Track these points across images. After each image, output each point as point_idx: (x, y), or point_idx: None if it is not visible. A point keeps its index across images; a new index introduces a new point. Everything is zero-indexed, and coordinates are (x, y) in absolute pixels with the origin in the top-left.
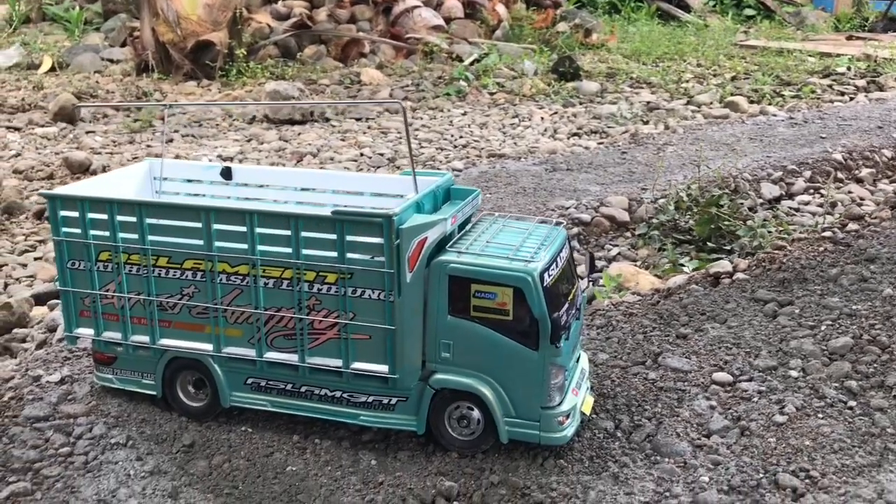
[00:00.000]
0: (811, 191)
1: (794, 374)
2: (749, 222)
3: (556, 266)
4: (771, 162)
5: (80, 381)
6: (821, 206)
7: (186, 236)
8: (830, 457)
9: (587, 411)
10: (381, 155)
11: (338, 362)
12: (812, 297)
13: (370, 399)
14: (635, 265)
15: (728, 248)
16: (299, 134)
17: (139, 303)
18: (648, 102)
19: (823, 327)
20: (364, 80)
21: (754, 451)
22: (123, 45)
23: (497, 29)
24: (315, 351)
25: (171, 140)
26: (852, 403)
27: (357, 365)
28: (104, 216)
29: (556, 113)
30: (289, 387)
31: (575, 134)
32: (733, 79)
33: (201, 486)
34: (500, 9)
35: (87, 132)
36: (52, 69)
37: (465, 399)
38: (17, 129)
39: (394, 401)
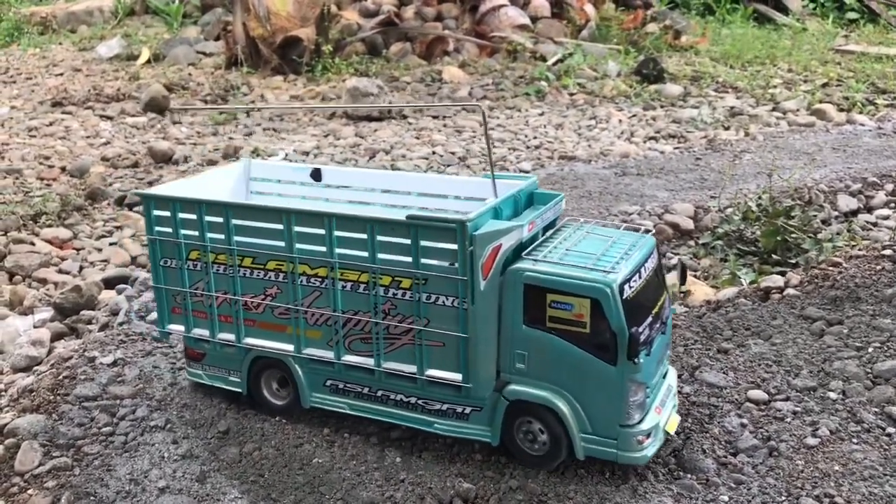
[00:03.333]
0: (892, 205)
1: (832, 395)
2: (819, 235)
3: (640, 277)
4: (851, 173)
5: (131, 364)
6: None
7: (270, 238)
8: (859, 484)
9: (671, 430)
10: (453, 154)
11: (412, 368)
12: (863, 318)
13: (445, 407)
14: (694, 275)
15: (794, 261)
16: (375, 130)
17: (225, 301)
18: (732, 107)
19: (871, 349)
20: (445, 78)
21: (780, 473)
22: (217, 38)
23: (584, 29)
24: (391, 356)
25: (251, 133)
26: (891, 430)
27: (431, 372)
28: (194, 216)
29: (634, 115)
30: (366, 390)
31: (652, 138)
32: (824, 85)
33: (229, 473)
34: (589, 8)
35: (175, 123)
36: (150, 61)
37: (539, 412)
38: (110, 118)
39: (468, 410)
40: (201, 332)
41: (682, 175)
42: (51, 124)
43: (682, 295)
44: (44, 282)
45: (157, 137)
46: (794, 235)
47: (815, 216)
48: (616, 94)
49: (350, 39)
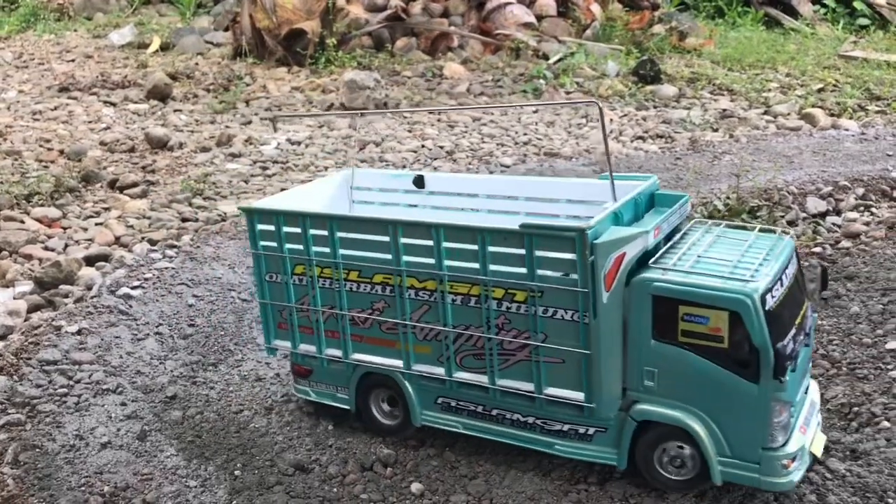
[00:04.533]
0: (861, 209)
1: None
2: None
3: (782, 285)
4: (824, 176)
5: (94, 333)
6: (867, 224)
7: (376, 250)
8: None
9: (818, 452)
10: (442, 148)
11: (529, 386)
12: None
13: (565, 428)
14: None
15: None
16: (370, 122)
17: (332, 316)
18: (724, 110)
19: None
20: (446, 74)
21: None
22: (226, 29)
23: (588, 28)
24: (506, 373)
25: (249, 122)
26: None
27: (550, 391)
28: (298, 230)
29: (626, 115)
30: (479, 409)
31: (639, 137)
32: (820, 90)
33: (169, 433)
34: (595, 8)
35: (175, 111)
36: (160, 50)
37: (672, 435)
38: (113, 105)
39: (591, 431)
40: (307, 348)
41: (659, 174)
42: (55, 109)
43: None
44: (29, 257)
45: (157, 124)
46: None
47: (781, 216)
48: (611, 93)
49: (356, 33)
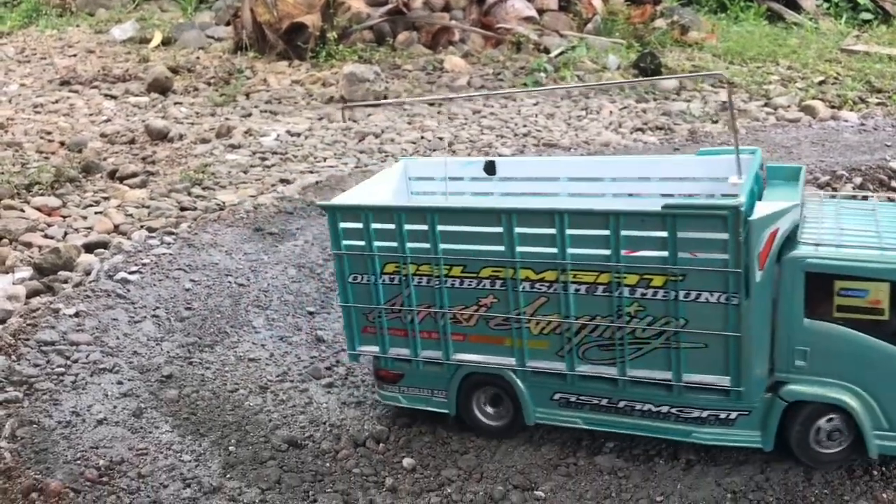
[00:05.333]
0: (859, 197)
1: None
2: None
3: None
4: (822, 166)
5: (91, 315)
6: None
7: (484, 242)
8: None
9: None
10: (441, 139)
11: (666, 374)
12: None
13: (705, 414)
14: None
15: None
16: (369, 115)
17: (429, 316)
18: (724, 102)
19: None
20: (447, 68)
21: None
22: (228, 24)
23: (589, 22)
24: (637, 362)
25: (249, 114)
26: None
27: (691, 377)
28: (390, 226)
29: (626, 107)
30: (604, 402)
31: (639, 129)
32: (821, 83)
33: (165, 410)
34: (596, 2)
35: (175, 103)
36: (161, 44)
37: (823, 411)
38: (114, 98)
39: (734, 415)
40: (399, 351)
41: None
42: (56, 102)
43: None
44: (29, 245)
45: (157, 116)
46: None
47: None
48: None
49: (356, 27)
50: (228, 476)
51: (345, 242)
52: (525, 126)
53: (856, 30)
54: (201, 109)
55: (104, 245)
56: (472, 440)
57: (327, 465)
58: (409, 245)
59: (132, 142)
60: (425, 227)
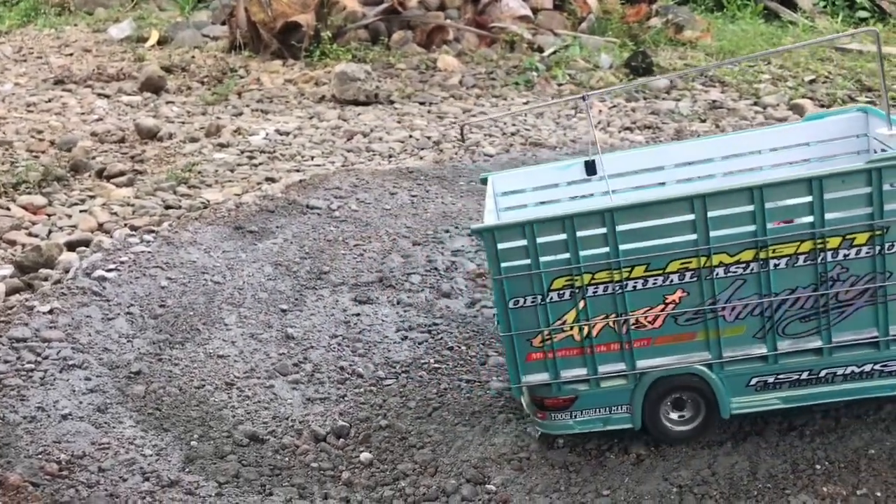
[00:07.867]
0: None
1: None
2: None
3: None
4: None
5: (65, 313)
6: None
7: (670, 235)
8: None
9: None
10: (429, 138)
11: (872, 332)
12: None
13: None
14: None
15: None
16: (359, 114)
17: (607, 327)
18: (714, 101)
19: None
20: (440, 67)
21: None
22: (224, 23)
23: (584, 21)
24: (841, 326)
25: (240, 113)
26: None
27: None
28: (560, 236)
29: (615, 106)
30: (804, 375)
31: (627, 128)
32: (811, 82)
33: (130, 406)
34: (591, 1)
35: (168, 102)
36: (158, 43)
37: None
38: (107, 97)
39: None
40: (573, 372)
41: None
42: (49, 101)
43: None
44: (13, 243)
45: (148, 115)
46: None
47: None
48: (603, 85)
49: (351, 27)
50: (188, 470)
51: (504, 265)
52: (514, 125)
53: (852, 28)
54: (193, 108)
55: (87, 243)
56: (430, 435)
57: (286, 459)
58: (584, 253)
59: (122, 140)
60: (603, 230)
